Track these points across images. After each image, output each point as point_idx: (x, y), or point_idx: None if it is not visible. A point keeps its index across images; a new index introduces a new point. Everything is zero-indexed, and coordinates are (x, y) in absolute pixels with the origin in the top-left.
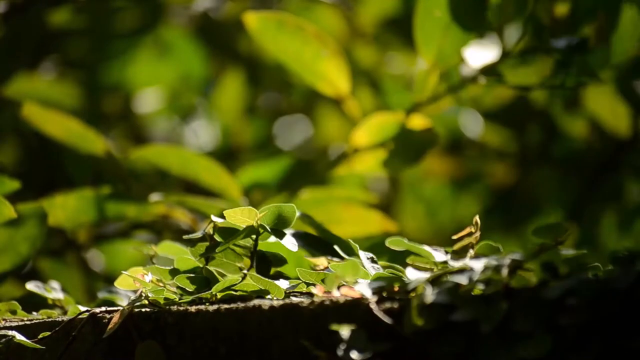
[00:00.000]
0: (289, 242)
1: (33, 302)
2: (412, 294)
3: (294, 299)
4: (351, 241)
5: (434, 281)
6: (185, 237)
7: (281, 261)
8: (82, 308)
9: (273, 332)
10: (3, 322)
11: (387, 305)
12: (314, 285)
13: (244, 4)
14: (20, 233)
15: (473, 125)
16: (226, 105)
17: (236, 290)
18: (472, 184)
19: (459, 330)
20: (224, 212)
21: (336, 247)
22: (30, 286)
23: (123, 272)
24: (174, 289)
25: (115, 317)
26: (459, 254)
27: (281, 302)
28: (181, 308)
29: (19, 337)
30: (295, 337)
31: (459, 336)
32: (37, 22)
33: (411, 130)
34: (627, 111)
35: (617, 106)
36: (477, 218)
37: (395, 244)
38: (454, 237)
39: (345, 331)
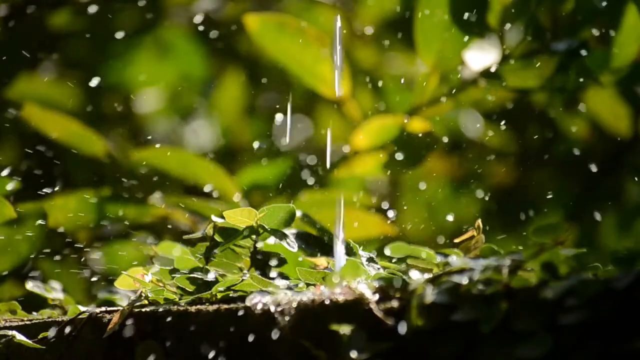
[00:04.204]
0: (289, 243)
1: (33, 302)
2: (412, 294)
3: (294, 299)
4: (351, 241)
5: (434, 281)
6: (185, 237)
7: (281, 261)
8: (82, 308)
9: (273, 332)
10: (3, 322)
11: (387, 305)
12: (314, 285)
13: (244, 5)
14: (20, 233)
15: (473, 126)
16: (226, 105)
17: (236, 291)
18: (472, 184)
19: (459, 330)
20: (224, 213)
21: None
22: (30, 286)
23: (123, 272)
24: (174, 289)
25: (115, 317)
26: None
27: None
28: (181, 308)
29: (19, 337)
30: (295, 337)
31: (459, 336)
32: (37, 23)
33: (411, 134)
34: (627, 112)
35: (617, 107)
36: (479, 222)
37: (395, 250)
38: (456, 240)
39: (345, 331)
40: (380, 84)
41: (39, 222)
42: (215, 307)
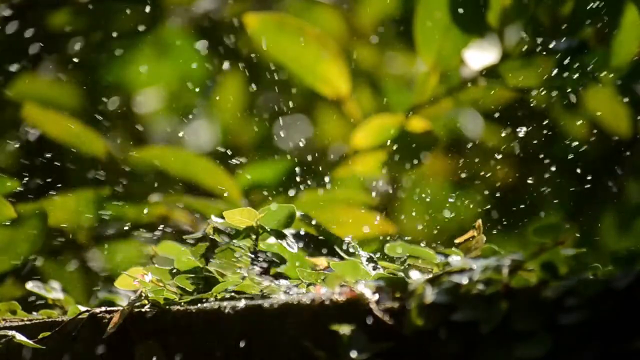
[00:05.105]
0: (289, 243)
1: (33, 302)
2: (412, 294)
3: (294, 299)
4: (351, 241)
5: (433, 281)
6: (185, 237)
7: (281, 261)
8: (82, 308)
9: (273, 332)
10: (3, 322)
11: (387, 305)
12: (314, 285)
13: (244, 5)
14: (20, 233)
15: (473, 125)
16: (226, 105)
17: (236, 291)
18: (472, 184)
19: (459, 330)
20: (224, 213)
21: (336, 247)
22: (30, 286)
23: (123, 272)
24: (174, 289)
25: (115, 317)
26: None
27: (281, 302)
28: (181, 308)
29: (19, 337)
30: (295, 337)
31: (459, 336)
32: (37, 23)
33: (411, 133)
34: (627, 111)
35: (617, 106)
36: (479, 222)
37: (395, 250)
38: (457, 240)
39: (345, 331)
40: (380, 83)
41: (39, 222)
42: (215, 307)
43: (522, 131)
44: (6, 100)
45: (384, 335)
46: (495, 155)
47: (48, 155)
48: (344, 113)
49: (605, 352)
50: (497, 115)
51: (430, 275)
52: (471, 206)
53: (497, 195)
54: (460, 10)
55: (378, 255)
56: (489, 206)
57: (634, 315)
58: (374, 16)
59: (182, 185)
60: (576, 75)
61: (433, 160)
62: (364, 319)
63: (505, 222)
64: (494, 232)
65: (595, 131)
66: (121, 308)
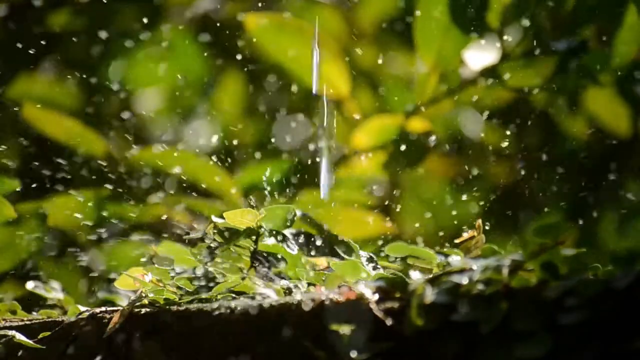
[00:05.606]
0: (289, 244)
1: (33, 302)
2: (412, 294)
3: (294, 299)
4: (351, 241)
5: (433, 281)
6: (185, 237)
7: (281, 261)
8: (82, 308)
9: (273, 332)
10: (3, 322)
11: (387, 305)
12: (314, 285)
13: (244, 5)
14: (20, 233)
15: (473, 125)
16: (226, 105)
17: (236, 292)
18: (472, 184)
19: (459, 330)
20: (224, 214)
21: (336, 247)
22: (30, 286)
23: (123, 272)
24: (174, 289)
25: (115, 317)
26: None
27: (281, 302)
28: (181, 308)
29: (19, 337)
30: (295, 337)
31: (459, 336)
32: (37, 23)
33: (411, 133)
34: (627, 112)
35: (617, 107)
36: (479, 222)
37: (395, 250)
38: (457, 240)
39: (345, 331)
40: (380, 83)
41: (39, 222)
42: (215, 307)
43: (522, 131)
44: (6, 100)
45: (384, 335)
46: (495, 155)
47: (48, 155)
48: (344, 113)
49: (605, 352)
50: (497, 115)
51: (430, 275)
52: (471, 206)
53: (497, 195)
54: (461, 11)
55: (378, 255)
56: (489, 206)
57: (634, 315)
58: (374, 16)
59: (182, 185)
60: (576, 76)
61: (433, 159)
62: (364, 319)
63: (505, 222)
64: (494, 232)
65: (595, 131)
66: (121, 308)
